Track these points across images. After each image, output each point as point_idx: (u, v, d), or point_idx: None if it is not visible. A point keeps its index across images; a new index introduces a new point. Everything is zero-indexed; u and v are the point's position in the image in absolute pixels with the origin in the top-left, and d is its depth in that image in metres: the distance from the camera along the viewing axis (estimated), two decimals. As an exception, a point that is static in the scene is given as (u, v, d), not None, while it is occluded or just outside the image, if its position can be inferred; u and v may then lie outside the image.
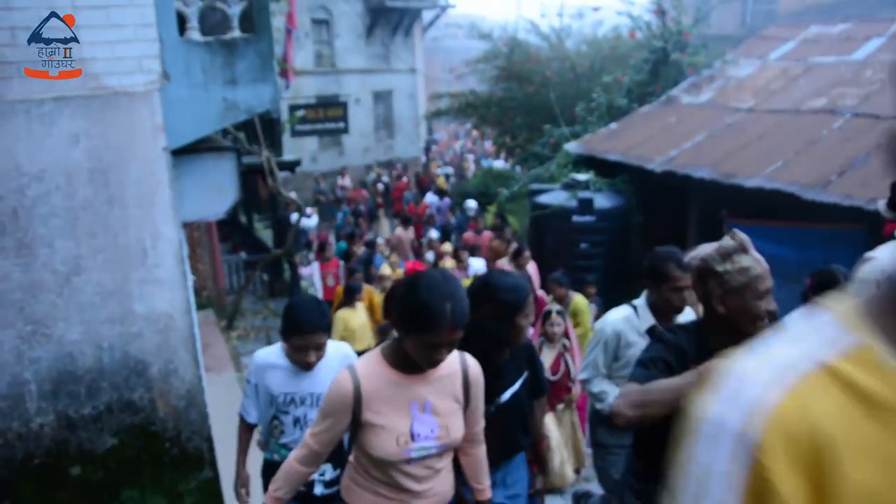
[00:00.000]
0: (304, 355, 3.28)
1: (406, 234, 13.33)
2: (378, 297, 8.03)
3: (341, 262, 10.47)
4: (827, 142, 8.80)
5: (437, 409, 2.42)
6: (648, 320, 3.49)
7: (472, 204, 14.25)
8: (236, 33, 4.39)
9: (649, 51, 13.52)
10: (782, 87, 11.24)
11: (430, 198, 17.14)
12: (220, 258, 12.68)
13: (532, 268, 8.20)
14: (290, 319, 3.27)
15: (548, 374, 4.96)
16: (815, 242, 7.69)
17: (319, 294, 9.89)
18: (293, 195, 12.73)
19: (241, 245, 15.08)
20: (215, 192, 4.65)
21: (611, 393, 3.57)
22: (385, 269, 9.23)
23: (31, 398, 4.18)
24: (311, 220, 16.04)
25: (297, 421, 3.45)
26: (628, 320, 3.59)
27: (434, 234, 11.69)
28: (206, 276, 11.60)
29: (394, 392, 2.38)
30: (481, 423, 2.66)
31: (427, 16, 27.48)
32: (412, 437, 2.38)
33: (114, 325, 4.21)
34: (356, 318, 7.36)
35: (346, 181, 21.50)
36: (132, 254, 4.17)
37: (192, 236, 10.37)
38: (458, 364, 2.50)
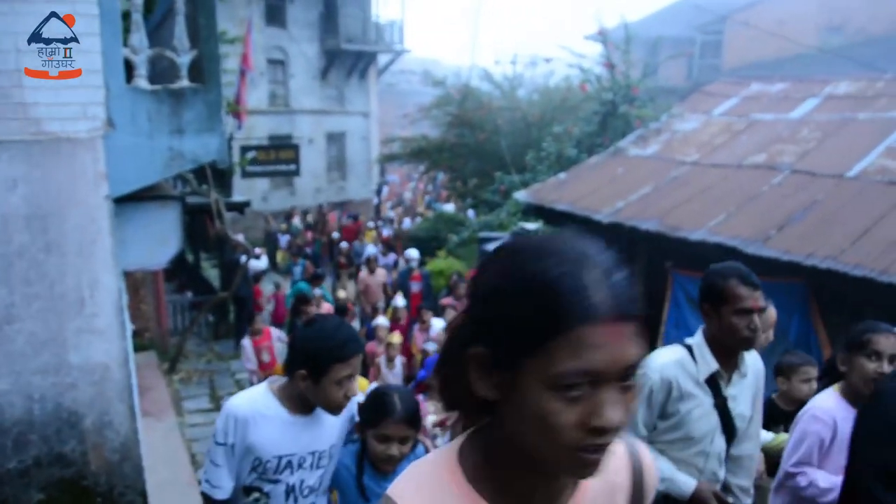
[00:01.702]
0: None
1: (373, 279, 11.90)
2: None
3: (274, 332, 8.78)
4: (766, 197, 9.09)
5: None
6: (709, 364, 2.70)
7: (413, 254, 13.04)
8: (185, 83, 4.37)
9: (599, 103, 13.87)
10: (725, 142, 11.60)
11: (372, 250, 15.45)
12: (165, 298, 12.41)
13: None
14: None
15: None
16: (756, 295, 7.89)
17: (255, 377, 8.08)
18: (240, 237, 12.60)
19: (187, 285, 14.77)
20: (158, 241, 4.58)
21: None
22: None
23: (-47, 451, 4.01)
24: (260, 262, 15.74)
25: (290, 492, 2.55)
26: (682, 364, 2.71)
27: (400, 301, 10.06)
28: (149, 316, 11.31)
29: None
30: None
31: (382, 60, 27.84)
32: None
33: (46, 376, 4.08)
34: None
35: (296, 221, 21.36)
36: (69, 303, 4.06)
37: (136, 275, 10.14)
38: (624, 462, 1.19)
